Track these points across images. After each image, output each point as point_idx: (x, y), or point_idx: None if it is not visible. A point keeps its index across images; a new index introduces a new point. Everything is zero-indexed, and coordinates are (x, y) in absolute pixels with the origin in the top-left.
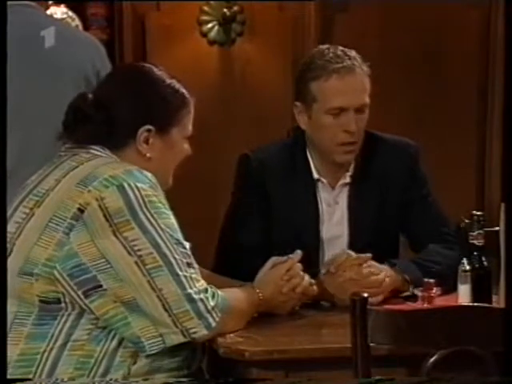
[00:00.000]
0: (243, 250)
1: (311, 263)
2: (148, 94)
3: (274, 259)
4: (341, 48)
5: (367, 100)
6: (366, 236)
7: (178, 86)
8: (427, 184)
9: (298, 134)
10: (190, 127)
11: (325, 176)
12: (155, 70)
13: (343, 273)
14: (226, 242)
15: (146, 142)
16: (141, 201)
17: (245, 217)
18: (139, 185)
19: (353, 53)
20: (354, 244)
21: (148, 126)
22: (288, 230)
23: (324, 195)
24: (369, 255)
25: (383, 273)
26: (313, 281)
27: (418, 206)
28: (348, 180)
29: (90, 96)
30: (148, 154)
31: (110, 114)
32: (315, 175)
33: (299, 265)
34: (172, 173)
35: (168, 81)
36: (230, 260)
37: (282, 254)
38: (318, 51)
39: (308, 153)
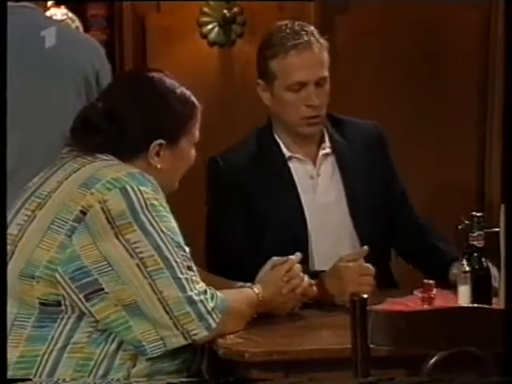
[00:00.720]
0: (232, 252)
1: (300, 239)
2: (160, 108)
3: (273, 260)
4: (298, 23)
5: (326, 73)
6: (362, 202)
7: (187, 94)
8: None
9: (261, 127)
10: (197, 134)
11: (297, 152)
12: (165, 79)
13: (341, 273)
14: (214, 249)
15: (157, 154)
16: (143, 203)
17: (226, 219)
18: (142, 188)
19: (310, 27)
20: (353, 210)
21: (160, 141)
22: (272, 215)
23: (302, 169)
24: (365, 248)
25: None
26: (312, 281)
27: (394, 183)
28: (328, 150)
29: (100, 106)
30: (158, 166)
31: (122, 127)
32: (287, 153)
33: (299, 266)
34: (180, 178)
35: (178, 91)
36: (222, 263)
37: (273, 243)
38: (276, 28)
39: (276, 135)
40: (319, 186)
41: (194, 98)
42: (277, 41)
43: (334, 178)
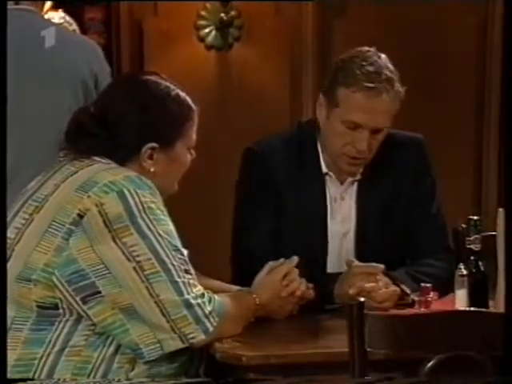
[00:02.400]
0: (258, 249)
1: (318, 258)
2: (154, 111)
3: (270, 264)
4: (384, 58)
5: (387, 123)
6: (373, 235)
7: (182, 96)
8: (435, 191)
9: (306, 127)
10: (194, 137)
11: (333, 171)
12: (160, 81)
13: (355, 283)
14: (239, 243)
15: (151, 157)
16: (140, 207)
17: (254, 212)
18: (139, 191)
19: (393, 70)
20: (360, 242)
21: (153, 144)
22: (296, 223)
23: (332, 190)
24: (381, 266)
25: (392, 287)
26: (310, 285)
27: (421, 207)
28: (358, 177)
29: (93, 110)
30: (152, 169)
31: (115, 131)
32: (324, 169)
33: (296, 269)
34: (177, 181)
35: (173, 93)
36: (246, 262)
37: (289, 249)
38: (360, 57)
39: (318, 146)
40: (340, 211)
41: (189, 100)
42: (355, 73)
43: (355, 206)
